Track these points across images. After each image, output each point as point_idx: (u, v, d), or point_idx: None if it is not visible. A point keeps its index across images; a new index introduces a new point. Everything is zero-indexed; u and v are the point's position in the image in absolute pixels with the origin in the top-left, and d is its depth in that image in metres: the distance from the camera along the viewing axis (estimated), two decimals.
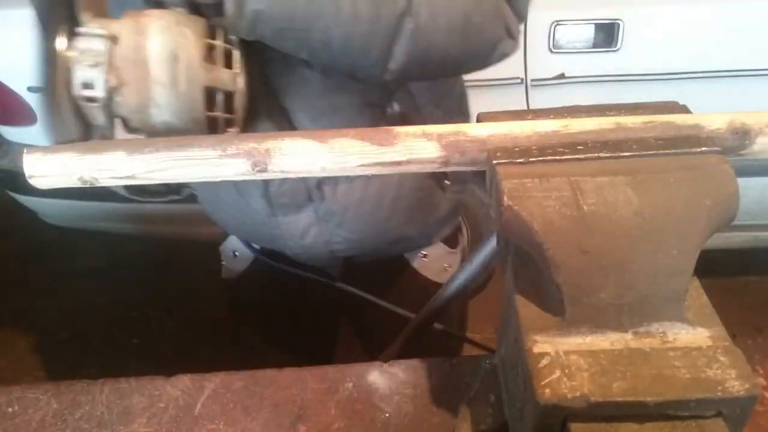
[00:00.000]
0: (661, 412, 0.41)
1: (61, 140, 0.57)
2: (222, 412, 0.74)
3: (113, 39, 0.57)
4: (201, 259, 2.13)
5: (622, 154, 0.47)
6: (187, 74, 0.59)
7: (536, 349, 0.44)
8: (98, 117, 0.58)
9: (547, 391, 0.41)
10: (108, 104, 0.57)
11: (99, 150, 0.53)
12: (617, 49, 1.50)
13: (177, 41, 0.59)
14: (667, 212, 0.43)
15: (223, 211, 0.98)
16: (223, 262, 1.08)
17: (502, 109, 0.55)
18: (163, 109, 0.59)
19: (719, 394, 0.41)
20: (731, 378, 0.41)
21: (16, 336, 2.06)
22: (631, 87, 1.55)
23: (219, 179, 0.54)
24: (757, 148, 0.51)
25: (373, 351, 0.89)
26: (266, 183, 0.85)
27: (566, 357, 0.43)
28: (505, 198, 0.44)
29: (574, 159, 0.47)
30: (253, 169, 0.53)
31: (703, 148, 0.47)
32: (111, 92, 0.57)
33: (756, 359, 0.76)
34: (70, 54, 0.56)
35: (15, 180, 1.74)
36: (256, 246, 1.03)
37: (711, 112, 0.51)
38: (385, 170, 0.53)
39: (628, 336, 0.45)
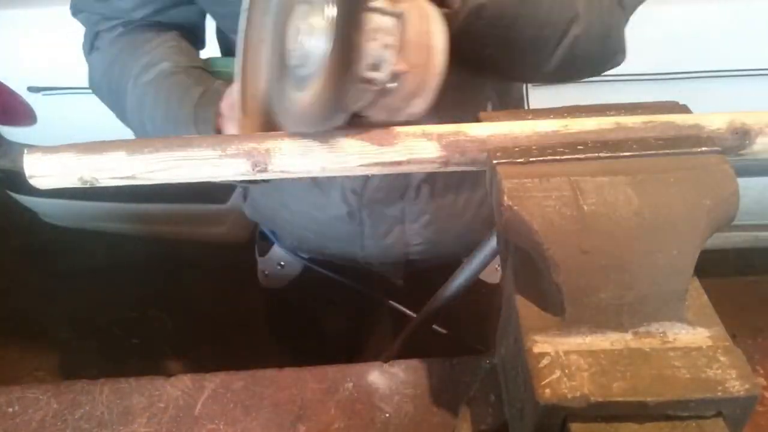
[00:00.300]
0: (661, 412, 0.41)
1: (314, 118, 0.50)
2: (222, 412, 0.74)
3: (402, 20, 0.51)
4: (201, 259, 2.14)
5: (622, 154, 0.47)
6: (445, 63, 0.55)
7: (536, 349, 0.44)
8: (364, 100, 0.52)
9: (547, 391, 0.41)
10: (383, 88, 0.51)
11: (99, 150, 0.53)
12: None
13: (444, 29, 0.55)
14: (667, 212, 0.43)
15: (285, 208, 0.94)
16: (266, 273, 1.07)
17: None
18: (429, 98, 0.54)
19: (719, 394, 0.40)
20: (731, 378, 0.41)
21: (16, 336, 2.06)
22: (631, 87, 1.55)
23: (219, 179, 0.54)
24: (757, 148, 0.51)
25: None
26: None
27: (566, 357, 0.43)
28: (505, 198, 0.44)
29: (574, 159, 0.47)
30: (253, 169, 0.53)
31: (703, 148, 0.47)
32: (393, 77, 0.51)
33: (756, 359, 0.76)
34: (365, 28, 0.49)
35: (15, 180, 1.74)
36: (305, 255, 1.02)
37: (711, 112, 0.51)
38: (385, 170, 0.53)
39: (628, 336, 0.45)
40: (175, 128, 0.72)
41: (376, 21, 0.49)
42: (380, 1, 0.50)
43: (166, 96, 0.74)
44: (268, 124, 0.59)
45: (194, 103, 0.71)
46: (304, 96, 0.49)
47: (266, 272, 1.07)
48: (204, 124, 0.70)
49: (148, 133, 0.76)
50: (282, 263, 1.04)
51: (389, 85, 0.51)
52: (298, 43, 0.49)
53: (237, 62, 0.60)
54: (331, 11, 0.46)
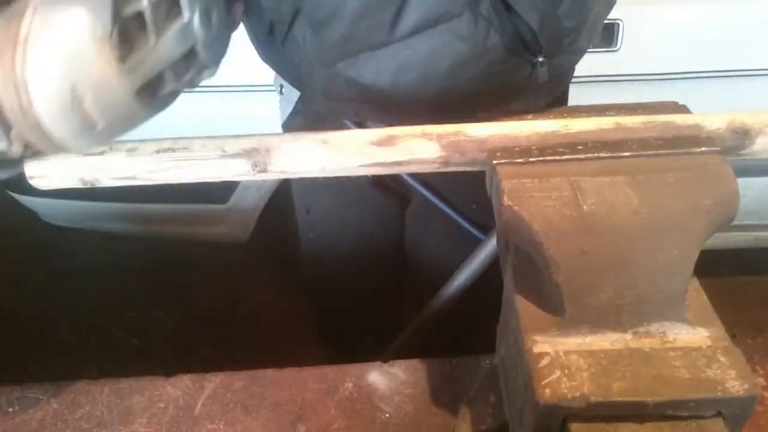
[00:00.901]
0: (661, 412, 0.41)
1: None
2: (222, 412, 0.74)
3: None
4: (201, 259, 2.14)
5: (622, 154, 0.47)
6: (105, 105, 0.43)
7: (536, 349, 0.44)
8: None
9: (547, 391, 0.41)
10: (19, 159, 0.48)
11: (99, 151, 0.53)
12: (617, 49, 1.50)
13: (75, 72, 0.41)
14: (667, 212, 0.43)
15: None
16: None
17: None
18: (91, 146, 0.47)
19: (719, 394, 0.41)
20: (731, 378, 0.41)
21: (16, 336, 2.06)
22: (631, 87, 1.55)
23: (219, 179, 0.54)
24: (757, 148, 0.51)
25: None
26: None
27: (566, 357, 0.43)
28: (505, 198, 0.44)
29: (574, 159, 0.47)
30: (253, 170, 0.53)
31: (703, 148, 0.47)
32: (20, 155, 0.46)
33: (756, 359, 0.76)
34: None
35: (15, 180, 1.73)
36: None
37: (711, 112, 0.51)
38: (385, 170, 0.53)
39: (628, 336, 0.45)
40: None
41: None
42: None
43: None
44: None
45: None
46: None
47: None
48: None
49: None
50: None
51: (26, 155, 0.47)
52: None
53: None
54: None
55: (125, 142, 0.53)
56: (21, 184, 1.84)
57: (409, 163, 0.52)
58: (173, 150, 0.52)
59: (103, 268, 2.24)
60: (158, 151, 0.52)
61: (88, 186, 0.53)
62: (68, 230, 2.03)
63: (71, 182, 0.53)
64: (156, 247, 2.14)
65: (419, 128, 0.52)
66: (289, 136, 0.53)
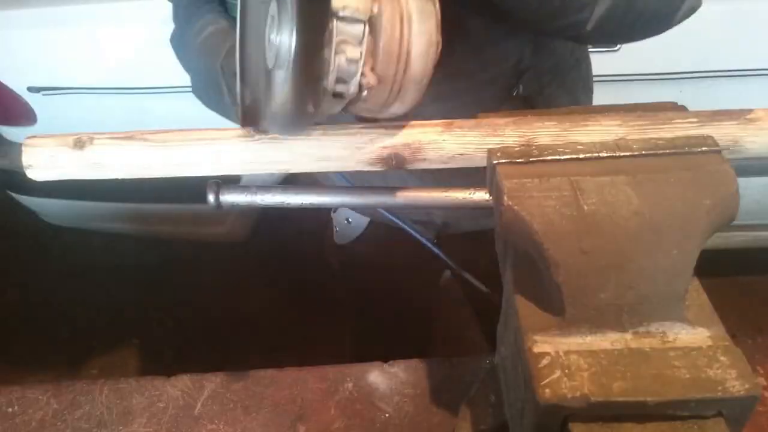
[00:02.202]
0: (661, 412, 0.41)
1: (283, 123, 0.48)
2: (222, 412, 0.74)
3: (374, 26, 0.45)
4: (201, 259, 2.14)
5: (622, 154, 0.47)
6: (434, 60, 0.47)
7: (536, 349, 0.44)
8: (333, 109, 0.48)
9: (547, 391, 0.41)
10: (352, 101, 0.47)
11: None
12: (617, 49, 1.50)
13: (433, 24, 0.46)
14: (667, 212, 0.43)
15: None
16: (336, 229, 1.10)
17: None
18: (405, 105, 0.48)
19: (719, 394, 0.40)
20: (731, 378, 0.41)
21: (16, 336, 2.06)
22: (631, 87, 1.55)
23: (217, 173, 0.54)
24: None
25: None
26: None
27: (566, 357, 0.43)
28: (505, 198, 0.44)
29: (574, 159, 0.47)
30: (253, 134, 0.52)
31: (703, 148, 0.47)
32: (362, 89, 0.46)
33: (756, 359, 0.76)
34: (330, 40, 0.44)
35: (15, 180, 1.74)
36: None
37: None
38: (386, 167, 0.53)
39: (628, 336, 0.45)
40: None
41: (342, 31, 0.44)
42: (348, 9, 0.44)
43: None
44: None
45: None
46: (275, 99, 0.46)
47: (337, 228, 1.09)
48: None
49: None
50: (349, 219, 1.07)
51: (362, 95, 0.47)
52: (271, 44, 0.45)
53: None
54: (293, 23, 0.42)
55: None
56: (21, 184, 1.85)
57: (410, 161, 0.52)
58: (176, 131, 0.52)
59: (103, 268, 2.24)
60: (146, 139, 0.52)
61: (84, 148, 0.51)
62: (68, 230, 2.03)
63: (66, 144, 0.52)
64: (156, 247, 2.14)
65: (420, 124, 0.52)
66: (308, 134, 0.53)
